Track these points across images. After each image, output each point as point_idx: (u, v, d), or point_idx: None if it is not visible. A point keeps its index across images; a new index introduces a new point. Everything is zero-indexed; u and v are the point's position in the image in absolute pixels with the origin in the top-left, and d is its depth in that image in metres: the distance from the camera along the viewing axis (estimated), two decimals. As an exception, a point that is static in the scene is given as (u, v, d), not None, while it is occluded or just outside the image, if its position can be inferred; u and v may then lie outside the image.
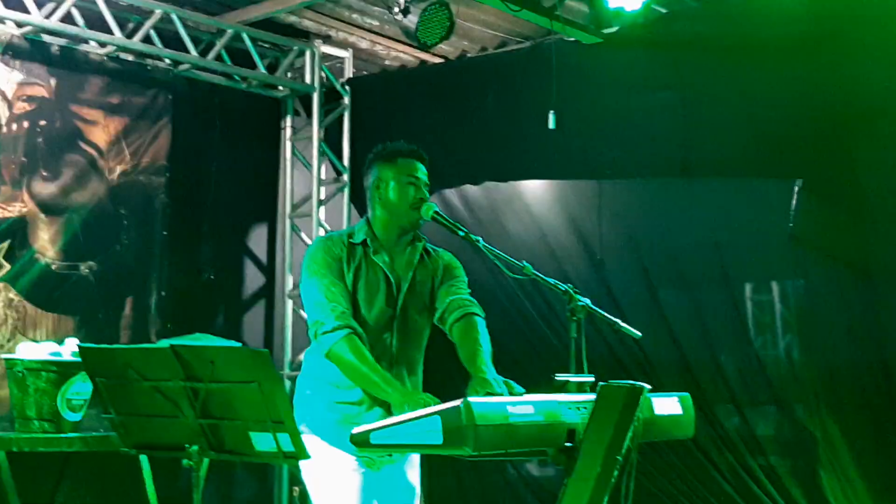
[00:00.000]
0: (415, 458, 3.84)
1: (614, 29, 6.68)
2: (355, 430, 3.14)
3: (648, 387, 3.09)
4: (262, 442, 3.18)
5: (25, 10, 6.51)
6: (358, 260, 3.69)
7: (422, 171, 3.78)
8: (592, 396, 3.08)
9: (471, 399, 2.90)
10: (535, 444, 3.04)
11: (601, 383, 3.06)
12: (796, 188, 6.11)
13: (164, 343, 3.21)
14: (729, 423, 6.42)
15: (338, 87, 8.15)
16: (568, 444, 3.06)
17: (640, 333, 3.65)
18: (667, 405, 3.36)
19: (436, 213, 3.71)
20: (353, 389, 3.64)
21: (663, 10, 6.62)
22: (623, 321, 3.62)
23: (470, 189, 7.49)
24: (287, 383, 7.78)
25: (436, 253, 3.89)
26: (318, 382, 3.72)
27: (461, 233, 3.68)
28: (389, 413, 3.50)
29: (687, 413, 3.44)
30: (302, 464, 3.56)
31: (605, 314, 3.54)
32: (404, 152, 3.80)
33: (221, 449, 3.28)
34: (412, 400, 3.39)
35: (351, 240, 3.72)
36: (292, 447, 3.15)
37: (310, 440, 3.61)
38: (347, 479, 3.62)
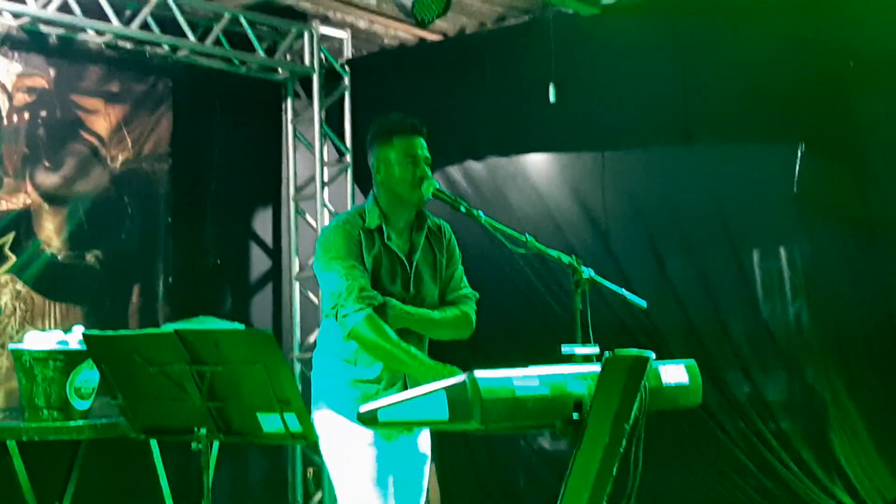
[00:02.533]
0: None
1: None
2: (362, 407, 3.15)
3: (654, 355, 3.08)
4: (270, 423, 3.20)
5: (22, 1, 6.51)
6: (375, 246, 3.69)
7: (420, 146, 3.74)
8: (598, 367, 3.08)
9: (476, 373, 2.89)
10: (542, 416, 3.03)
11: (606, 353, 3.05)
12: (799, 150, 6.09)
13: (169, 327, 3.22)
14: (738, 389, 6.43)
15: (337, 67, 8.12)
16: (575, 416, 3.05)
17: (645, 303, 3.65)
18: (673, 373, 3.35)
19: (437, 189, 3.70)
20: (370, 367, 3.66)
21: (661, -22, 6.59)
22: (630, 291, 3.62)
23: (473, 164, 7.48)
24: (297, 365, 7.81)
25: (438, 229, 3.88)
26: (335, 360, 3.72)
27: (462, 208, 3.67)
28: (406, 388, 3.53)
29: (694, 380, 3.42)
30: (321, 440, 3.59)
31: (611, 284, 3.54)
32: (399, 129, 3.75)
33: (229, 431, 3.29)
34: (439, 372, 3.39)
35: (366, 225, 3.71)
36: (300, 427, 3.17)
37: (328, 416, 3.66)
38: (365, 453, 3.64)
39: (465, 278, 3.92)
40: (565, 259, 3.49)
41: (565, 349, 3.27)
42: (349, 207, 8.05)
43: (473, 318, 3.85)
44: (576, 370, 3.12)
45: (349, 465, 3.66)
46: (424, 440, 3.87)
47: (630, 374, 3.03)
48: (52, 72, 6.88)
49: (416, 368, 3.51)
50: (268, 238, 8.26)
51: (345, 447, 3.65)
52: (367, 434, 3.60)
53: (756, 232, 6.45)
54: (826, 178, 6.08)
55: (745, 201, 6.32)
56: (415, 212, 3.78)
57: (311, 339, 7.99)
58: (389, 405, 3.11)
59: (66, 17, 6.71)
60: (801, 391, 6.36)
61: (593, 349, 3.28)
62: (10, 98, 6.68)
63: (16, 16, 6.62)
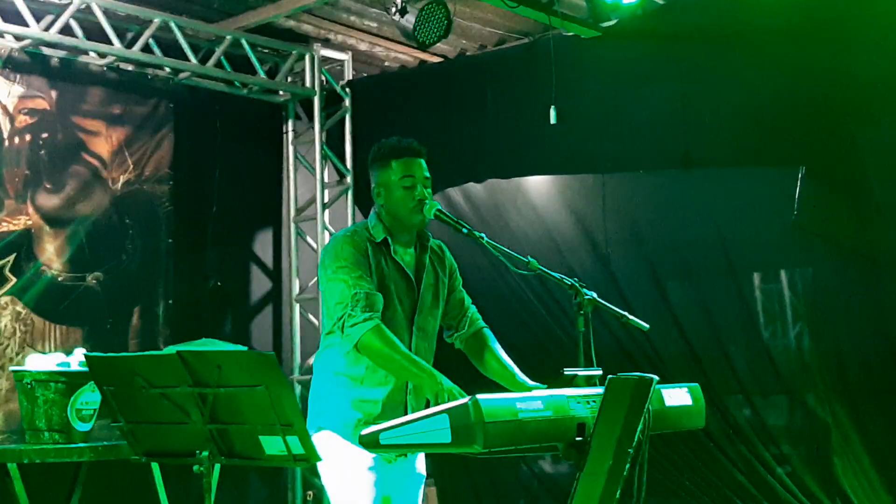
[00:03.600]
0: None
1: (613, 22, 6.68)
2: (364, 431, 3.14)
3: (657, 378, 3.07)
4: (272, 445, 3.17)
5: (24, 24, 6.52)
6: (381, 260, 3.68)
7: (419, 168, 3.72)
8: (601, 390, 3.07)
9: (479, 396, 2.88)
10: (545, 439, 3.03)
11: (610, 376, 3.05)
12: (800, 176, 6.10)
13: (171, 349, 3.20)
14: (739, 413, 6.42)
15: (338, 89, 8.15)
16: (578, 439, 3.04)
17: (648, 326, 3.64)
18: (677, 396, 3.34)
19: (438, 211, 3.68)
20: (376, 388, 3.64)
21: (660, 2, 6.61)
22: (630, 314, 3.61)
23: (473, 187, 7.49)
24: (297, 387, 7.79)
25: (440, 249, 3.88)
26: (338, 380, 3.69)
27: (464, 230, 3.66)
28: (407, 412, 3.51)
29: (697, 403, 3.42)
30: (321, 461, 3.57)
31: (613, 307, 3.53)
32: (398, 152, 3.73)
33: (231, 454, 3.27)
34: (441, 390, 3.37)
35: (372, 239, 3.69)
36: (302, 450, 3.14)
37: (327, 437, 3.63)
38: (363, 476, 3.62)
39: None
40: (567, 281, 3.49)
41: (568, 372, 3.27)
42: (349, 229, 8.05)
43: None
44: (579, 393, 3.12)
45: (348, 488, 3.63)
46: (421, 461, 3.86)
47: (633, 396, 3.03)
48: (53, 94, 6.90)
49: (424, 379, 3.46)
50: (268, 259, 8.26)
51: (344, 469, 3.63)
52: (366, 456, 3.58)
53: (756, 257, 6.45)
54: (826, 204, 6.09)
55: (746, 226, 6.33)
56: (416, 232, 3.78)
57: (311, 360, 7.97)
58: (391, 428, 3.10)
59: (68, 40, 6.73)
60: (802, 416, 6.35)
61: (596, 372, 3.28)
62: (12, 120, 6.69)
63: (18, 38, 6.64)
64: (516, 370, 3.72)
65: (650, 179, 6.80)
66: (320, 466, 3.63)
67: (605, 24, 6.69)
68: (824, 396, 6.18)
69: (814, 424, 6.23)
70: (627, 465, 3.02)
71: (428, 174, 3.74)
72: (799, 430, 6.37)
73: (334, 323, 3.57)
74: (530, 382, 3.60)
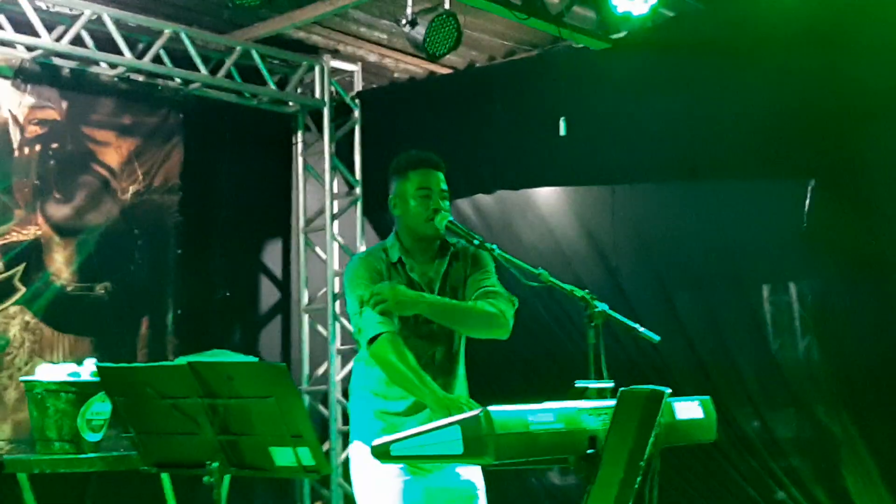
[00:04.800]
0: None
1: (622, 34, 6.68)
2: (376, 441, 3.13)
3: (669, 391, 3.07)
4: (282, 457, 3.18)
5: (35, 34, 6.54)
6: (397, 278, 3.70)
7: (435, 179, 3.75)
8: (613, 402, 3.06)
9: (490, 408, 2.88)
10: (557, 451, 3.01)
11: (621, 389, 3.04)
12: (809, 187, 6.09)
13: (182, 360, 3.20)
14: (748, 426, 6.40)
15: (347, 100, 8.16)
16: (590, 451, 3.03)
17: (658, 337, 3.63)
18: (688, 409, 3.33)
19: (450, 222, 3.69)
20: (398, 400, 3.66)
21: (670, 14, 6.62)
22: (640, 326, 3.60)
23: (482, 198, 7.50)
24: (306, 398, 7.79)
25: (464, 251, 3.87)
26: (364, 392, 3.75)
27: (476, 241, 3.67)
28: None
29: (709, 416, 3.41)
30: (351, 471, 3.59)
31: (624, 319, 3.52)
32: (415, 163, 3.77)
33: (242, 465, 3.27)
34: (447, 404, 3.38)
35: (388, 258, 3.74)
36: (313, 461, 3.14)
37: (358, 448, 3.70)
38: (389, 486, 3.62)
39: (499, 284, 3.82)
40: (578, 293, 3.48)
41: (579, 384, 3.26)
42: (358, 239, 8.08)
43: (509, 315, 3.72)
44: (590, 405, 3.11)
45: (372, 497, 3.65)
46: (472, 470, 3.82)
47: (645, 409, 3.02)
48: (64, 104, 6.92)
49: (427, 396, 3.49)
50: (277, 270, 8.27)
51: (371, 479, 3.65)
52: (392, 466, 3.58)
53: (765, 268, 6.44)
54: (835, 215, 6.07)
55: (755, 237, 6.31)
56: (436, 244, 3.79)
57: (320, 371, 7.98)
58: (402, 439, 3.09)
59: (79, 50, 6.75)
60: (811, 428, 6.32)
61: (608, 384, 3.27)
62: (23, 130, 6.71)
63: (29, 48, 6.67)
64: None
65: (659, 190, 6.80)
66: (352, 475, 3.65)
67: (615, 36, 6.69)
68: (833, 409, 6.16)
69: (823, 437, 6.21)
70: (639, 478, 3.01)
71: (445, 187, 3.76)
72: (808, 442, 6.35)
73: (356, 332, 3.64)
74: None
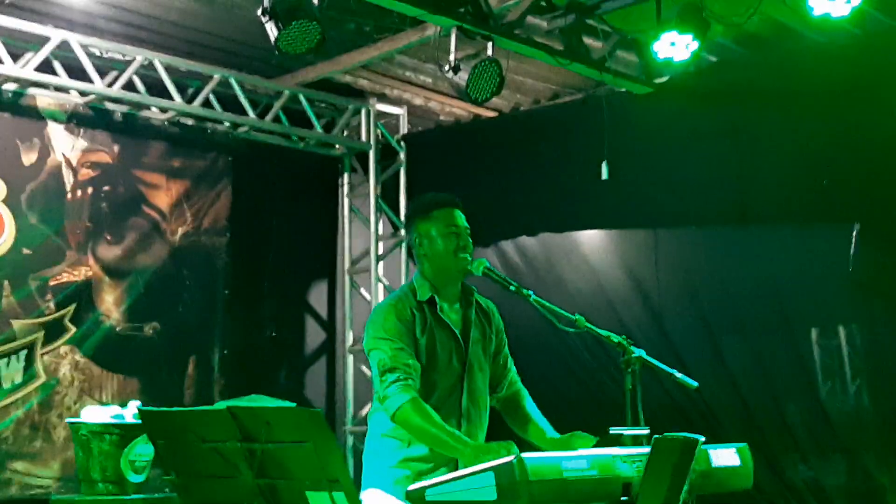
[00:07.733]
0: None
1: (665, 78, 6.69)
2: (411, 487, 3.15)
3: (703, 438, 3.05)
4: (319, 501, 3.19)
5: (89, 80, 6.70)
6: (427, 321, 3.70)
7: (460, 218, 3.78)
8: (647, 450, 3.06)
9: (524, 455, 2.89)
10: (590, 499, 3.01)
11: (655, 436, 3.03)
12: (854, 232, 6.04)
13: (221, 405, 3.24)
14: (795, 473, 6.31)
15: (393, 143, 8.24)
16: (624, 499, 3.02)
17: (696, 383, 3.61)
18: (724, 456, 3.31)
19: (487, 268, 3.70)
20: (422, 447, 3.64)
21: (713, 59, 6.63)
22: (684, 371, 3.58)
23: (526, 240, 7.51)
24: (349, 438, 7.81)
25: (486, 306, 3.89)
26: (386, 441, 3.72)
27: (512, 287, 3.68)
28: (457, 467, 3.50)
29: (745, 464, 3.38)
30: None
31: (661, 364, 3.51)
32: (439, 203, 3.80)
33: (279, 508, 3.29)
34: (487, 453, 3.38)
35: (417, 299, 3.72)
36: (348, 506, 3.16)
37: (374, 495, 3.66)
38: None
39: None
40: (615, 338, 3.48)
41: (614, 431, 3.26)
42: (403, 281, 8.09)
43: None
44: (625, 452, 3.10)
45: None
46: None
47: (680, 457, 3.01)
48: (116, 148, 7.06)
49: (461, 451, 3.47)
50: (322, 311, 8.33)
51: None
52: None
53: (812, 313, 6.37)
54: (881, 260, 6.01)
55: (801, 281, 6.26)
56: (460, 283, 3.80)
57: (364, 412, 8.00)
58: (437, 484, 3.11)
59: (130, 95, 6.90)
60: (860, 476, 6.22)
61: (643, 431, 3.26)
62: (75, 173, 6.85)
63: (83, 94, 6.82)
64: (547, 427, 3.74)
65: (703, 235, 6.77)
66: None
67: (658, 81, 6.70)
68: (883, 457, 6.05)
69: (871, 486, 6.10)
70: (674, 526, 3.00)
71: (467, 224, 3.79)
72: (856, 491, 6.24)
73: (376, 392, 3.62)
74: (559, 435, 3.65)
